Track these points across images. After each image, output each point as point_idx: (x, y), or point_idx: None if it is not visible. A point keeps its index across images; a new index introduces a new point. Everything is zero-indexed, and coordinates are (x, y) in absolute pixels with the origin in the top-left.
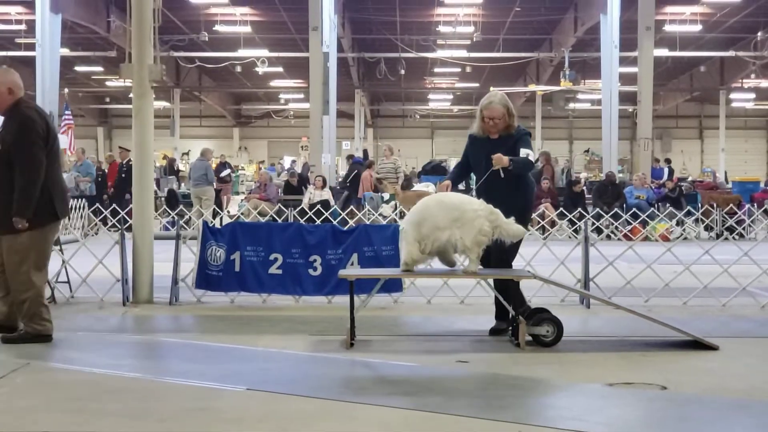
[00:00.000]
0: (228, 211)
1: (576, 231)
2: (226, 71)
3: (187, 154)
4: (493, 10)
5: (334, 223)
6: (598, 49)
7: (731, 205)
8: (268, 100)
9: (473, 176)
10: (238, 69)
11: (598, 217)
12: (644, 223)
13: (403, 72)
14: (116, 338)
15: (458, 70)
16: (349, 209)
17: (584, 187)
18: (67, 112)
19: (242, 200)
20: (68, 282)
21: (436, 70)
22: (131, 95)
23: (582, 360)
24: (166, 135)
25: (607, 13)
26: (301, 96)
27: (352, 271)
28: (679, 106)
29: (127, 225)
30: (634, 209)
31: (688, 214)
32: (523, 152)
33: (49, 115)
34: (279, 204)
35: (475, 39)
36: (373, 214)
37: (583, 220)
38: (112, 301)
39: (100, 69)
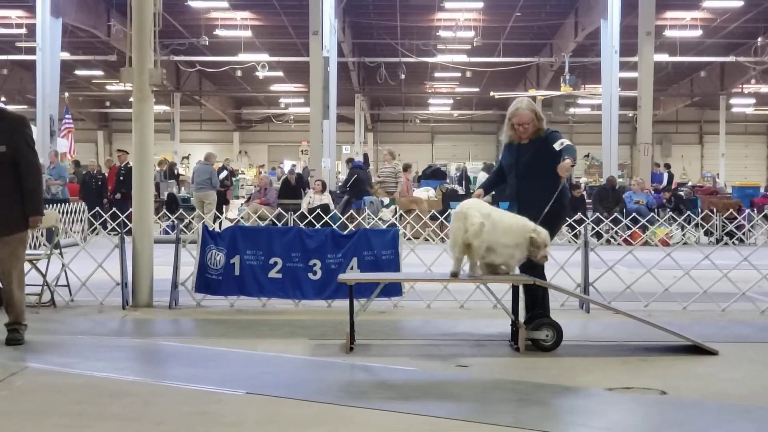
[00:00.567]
0: (227, 217)
1: (576, 235)
2: (227, 75)
3: (187, 158)
4: (493, 15)
5: (334, 227)
6: (598, 54)
7: (731, 210)
8: (269, 105)
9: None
10: (239, 73)
11: (597, 221)
12: (644, 228)
13: (403, 76)
14: (116, 342)
15: (458, 74)
16: (348, 213)
17: (584, 192)
18: (67, 116)
19: (242, 204)
20: (68, 285)
21: (437, 74)
22: (131, 99)
23: (581, 365)
24: (166, 139)
25: (607, 18)
26: (302, 100)
27: (352, 275)
28: (680, 111)
29: (127, 229)
30: (633, 214)
31: (688, 219)
32: (557, 144)
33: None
34: (279, 208)
35: (475, 44)
36: (373, 219)
37: (583, 225)
38: (112, 305)
39: (100, 73)
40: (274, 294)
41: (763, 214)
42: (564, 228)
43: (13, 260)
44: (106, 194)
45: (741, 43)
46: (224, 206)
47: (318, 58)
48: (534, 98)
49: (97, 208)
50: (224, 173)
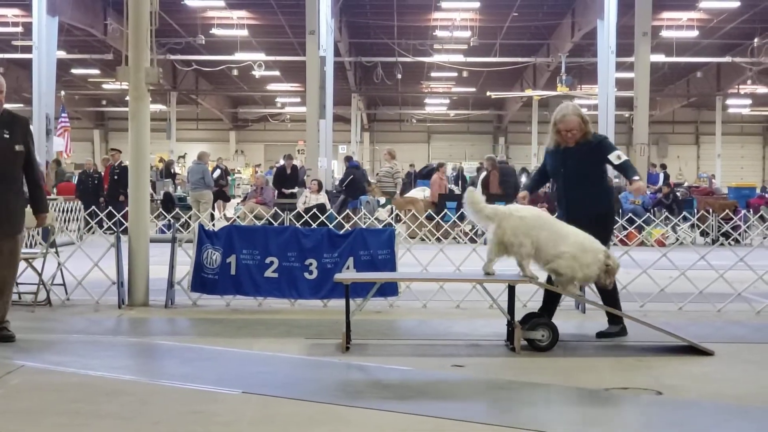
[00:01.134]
0: (224, 215)
1: None
2: (223, 74)
3: (183, 157)
4: (490, 14)
5: (330, 226)
6: (594, 54)
7: (727, 210)
8: (265, 104)
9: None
10: (235, 72)
11: None
12: (640, 228)
13: (399, 76)
14: (112, 341)
15: (455, 74)
16: (345, 213)
17: None
18: (63, 115)
19: (238, 204)
20: (64, 284)
21: (433, 74)
22: (128, 98)
23: (577, 365)
24: (162, 138)
25: (604, 18)
26: (298, 100)
27: (348, 274)
28: (676, 111)
29: (123, 228)
30: (629, 214)
31: (683, 219)
32: (614, 156)
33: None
34: (275, 208)
35: (472, 44)
36: (369, 218)
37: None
38: (108, 304)
39: (96, 72)
40: (270, 293)
41: (759, 214)
42: None
43: (17, 258)
44: (102, 193)
45: (737, 44)
46: (224, 203)
47: (314, 58)
48: (530, 98)
49: (93, 207)
50: (217, 172)
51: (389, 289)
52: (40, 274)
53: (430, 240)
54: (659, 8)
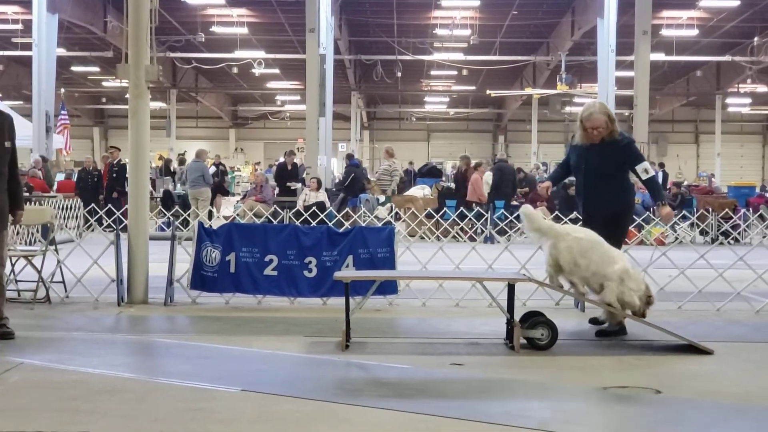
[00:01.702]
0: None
1: None
2: (223, 72)
3: (183, 154)
4: (490, 13)
5: (330, 225)
6: (594, 52)
7: (727, 209)
8: (265, 102)
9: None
10: (235, 70)
11: None
12: (639, 227)
13: (399, 74)
14: (111, 338)
15: (455, 72)
16: (344, 211)
17: None
18: (63, 112)
19: (238, 201)
20: (63, 282)
21: (433, 72)
22: (128, 96)
23: (576, 363)
24: (162, 136)
25: (604, 17)
26: (298, 98)
27: (348, 272)
28: (675, 110)
29: (123, 225)
30: None
31: (683, 218)
32: (641, 168)
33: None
34: (275, 206)
35: (472, 42)
36: (369, 216)
37: (579, 224)
38: (107, 302)
39: (96, 69)
40: (269, 291)
41: (758, 213)
42: None
43: (4, 252)
44: (101, 190)
45: (737, 43)
46: (221, 197)
47: (314, 56)
48: (530, 97)
49: (93, 205)
50: (213, 170)
51: (389, 288)
52: (39, 272)
53: (429, 238)
54: (659, 7)
